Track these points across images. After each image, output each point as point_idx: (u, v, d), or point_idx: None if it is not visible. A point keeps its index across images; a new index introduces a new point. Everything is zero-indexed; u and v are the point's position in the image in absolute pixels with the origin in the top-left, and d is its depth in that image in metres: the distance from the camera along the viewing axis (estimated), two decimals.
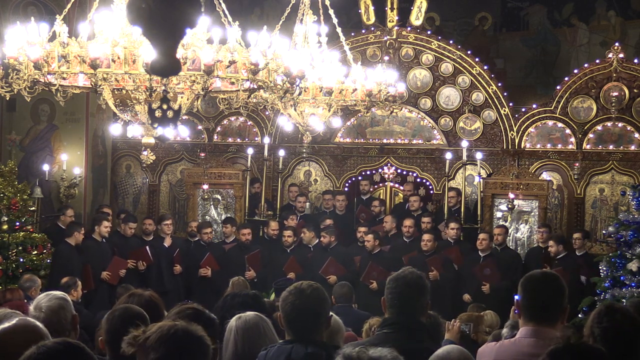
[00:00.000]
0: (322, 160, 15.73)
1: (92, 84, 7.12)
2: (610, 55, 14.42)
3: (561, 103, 14.66)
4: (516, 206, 13.67)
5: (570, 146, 14.66)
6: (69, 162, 14.41)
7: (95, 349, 5.36)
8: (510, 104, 14.99)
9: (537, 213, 13.89)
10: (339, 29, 10.81)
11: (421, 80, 15.28)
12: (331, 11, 10.55)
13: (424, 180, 15.51)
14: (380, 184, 15.83)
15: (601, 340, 4.27)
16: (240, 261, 12.95)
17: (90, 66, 6.90)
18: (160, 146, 13.82)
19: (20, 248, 12.19)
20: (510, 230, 13.75)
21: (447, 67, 15.14)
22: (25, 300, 9.12)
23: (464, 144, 14.19)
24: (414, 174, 15.51)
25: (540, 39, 19.23)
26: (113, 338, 4.23)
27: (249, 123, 15.82)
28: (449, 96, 15.19)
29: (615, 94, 14.27)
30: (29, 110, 14.44)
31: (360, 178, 15.54)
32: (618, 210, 13.86)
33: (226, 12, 7.85)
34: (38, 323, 4.01)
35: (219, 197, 14.94)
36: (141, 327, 3.54)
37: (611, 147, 14.48)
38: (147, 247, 13.09)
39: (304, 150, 14.00)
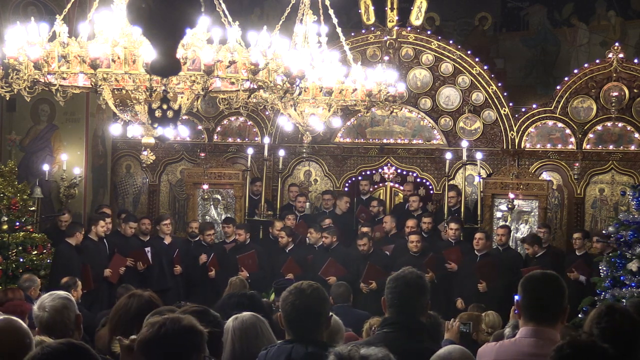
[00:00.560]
0: (322, 160, 15.73)
1: (92, 84, 7.11)
2: (610, 55, 14.42)
3: (561, 103, 14.66)
4: (516, 206, 13.68)
5: (570, 146, 14.66)
6: (69, 162, 14.42)
7: (95, 349, 5.37)
8: (510, 104, 14.98)
9: (537, 213, 13.89)
10: (339, 29, 10.80)
11: (421, 80, 15.28)
12: (331, 11, 10.54)
13: (424, 180, 15.50)
14: (380, 184, 15.82)
15: (600, 340, 4.18)
16: (236, 261, 12.96)
17: (90, 66, 6.89)
18: (160, 146, 13.83)
19: (20, 248, 12.18)
20: None
21: (447, 67, 15.14)
22: (26, 300, 9.15)
23: (464, 144, 14.20)
24: (414, 174, 15.51)
25: (540, 39, 19.21)
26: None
27: (249, 123, 15.82)
28: (449, 96, 15.19)
29: (615, 94, 14.27)
30: (29, 110, 14.43)
31: (360, 178, 15.54)
32: (618, 210, 13.86)
33: (226, 12, 7.84)
34: (21, 322, 4.04)
35: (219, 197, 14.94)
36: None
37: (611, 147, 14.48)
38: (146, 249, 13.09)
39: (304, 150, 14.01)
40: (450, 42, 15.56)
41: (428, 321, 5.53)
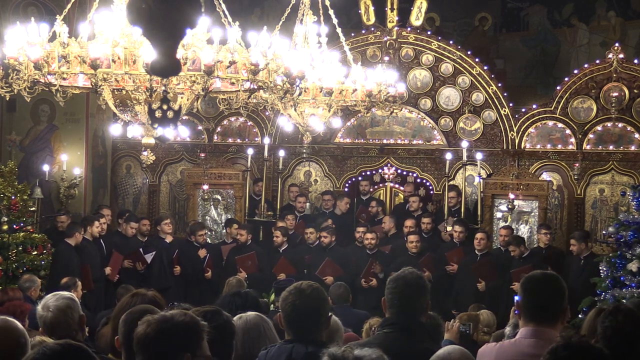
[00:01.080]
0: (322, 160, 15.72)
1: (92, 84, 7.11)
2: (610, 55, 14.40)
3: (561, 103, 14.64)
4: (516, 206, 13.65)
5: (570, 146, 14.64)
6: (69, 162, 14.41)
7: (96, 348, 5.38)
8: (510, 105, 14.97)
9: (537, 213, 13.89)
10: (339, 30, 10.79)
11: (421, 80, 15.27)
12: (331, 11, 10.54)
13: (424, 181, 15.49)
14: (381, 185, 15.82)
15: (602, 339, 4.36)
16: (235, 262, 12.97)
17: (91, 66, 6.88)
18: (160, 146, 13.87)
19: (20, 248, 12.17)
20: None
21: (447, 68, 15.13)
22: (25, 301, 9.14)
23: (464, 144, 14.19)
24: (414, 175, 15.50)
25: (540, 40, 19.20)
26: (131, 340, 4.22)
27: (249, 123, 15.81)
28: (449, 96, 15.18)
29: (615, 94, 14.25)
30: (29, 111, 14.43)
31: (360, 178, 15.54)
32: (618, 211, 13.84)
33: (226, 12, 7.84)
34: (16, 322, 4.04)
35: (219, 197, 14.94)
36: None
37: (611, 147, 14.47)
38: (140, 250, 13.08)
39: (304, 151, 13.97)
40: (450, 42, 15.56)
41: (428, 321, 5.54)
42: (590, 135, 14.56)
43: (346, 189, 15.66)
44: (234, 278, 9.66)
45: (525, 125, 14.84)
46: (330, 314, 4.78)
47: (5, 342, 3.82)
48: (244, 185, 14.49)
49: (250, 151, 14.49)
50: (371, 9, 15.23)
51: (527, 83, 18.93)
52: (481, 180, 14.01)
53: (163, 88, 6.94)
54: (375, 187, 15.76)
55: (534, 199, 13.93)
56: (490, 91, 14.97)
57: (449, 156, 14.11)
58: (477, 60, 15.19)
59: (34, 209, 13.03)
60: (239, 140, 15.91)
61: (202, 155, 15.28)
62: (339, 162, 15.69)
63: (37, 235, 12.61)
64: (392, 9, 15.04)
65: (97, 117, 15.03)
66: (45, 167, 14.09)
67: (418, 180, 15.50)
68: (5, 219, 12.16)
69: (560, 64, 18.88)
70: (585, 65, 14.95)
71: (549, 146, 14.80)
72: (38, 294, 10.35)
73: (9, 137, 14.62)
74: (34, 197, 13.28)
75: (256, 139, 15.74)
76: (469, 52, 15.28)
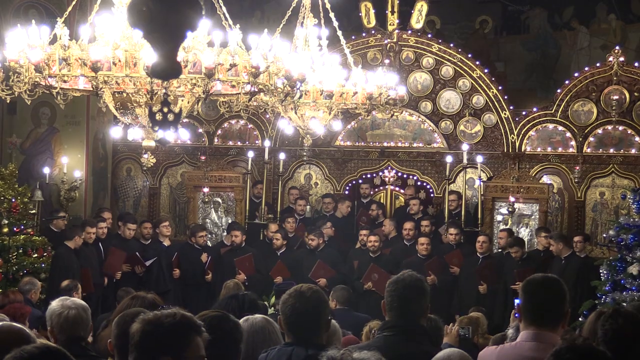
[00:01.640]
0: (323, 163, 15.72)
1: (93, 86, 7.17)
2: (610, 58, 14.41)
3: (561, 106, 14.64)
4: (517, 209, 13.67)
5: (571, 149, 14.64)
6: (70, 165, 14.37)
7: (96, 351, 5.37)
8: (511, 107, 14.97)
9: (537, 216, 13.89)
10: (339, 32, 10.79)
11: (422, 83, 15.27)
12: (332, 14, 10.54)
13: (425, 184, 15.50)
14: (381, 188, 15.81)
15: (602, 342, 4.32)
16: (232, 263, 12.94)
17: (91, 69, 6.90)
18: (160, 149, 13.80)
19: (20, 251, 12.17)
20: None
21: (447, 71, 15.13)
22: (26, 303, 9.13)
23: (465, 147, 14.21)
24: (415, 177, 15.50)
25: (541, 42, 19.17)
26: (124, 342, 4.21)
27: (249, 126, 15.81)
28: (450, 99, 15.18)
29: (616, 97, 14.25)
30: (29, 113, 14.41)
31: (360, 181, 15.54)
32: (618, 214, 13.80)
33: (227, 15, 7.87)
34: (23, 326, 4.02)
35: (219, 200, 14.93)
36: None
37: (612, 150, 14.48)
38: (137, 253, 13.04)
39: (305, 154, 14.00)
40: (451, 45, 15.57)
41: (428, 325, 5.54)
42: (591, 139, 14.56)
43: (346, 192, 15.66)
44: (231, 281, 9.67)
45: (526, 128, 14.84)
46: (330, 317, 4.77)
47: (11, 345, 3.79)
48: (245, 188, 14.44)
49: (250, 154, 14.43)
50: (372, 11, 15.25)
51: (527, 86, 18.89)
52: (481, 183, 14.00)
53: (164, 91, 6.93)
54: (376, 190, 15.74)
55: (534, 202, 13.93)
56: (490, 94, 14.96)
57: (449, 159, 14.07)
58: (477, 63, 15.19)
59: (34, 211, 13.05)
60: (239, 143, 15.92)
61: (203, 158, 15.28)
62: (340, 165, 15.69)
63: (37, 237, 12.64)
64: (392, 12, 15.06)
65: (98, 119, 15.00)
66: (46, 170, 14.06)
67: (418, 183, 15.50)
68: (6, 222, 12.19)
69: (561, 67, 18.83)
70: (586, 68, 14.96)
71: (549, 149, 14.81)
72: (38, 297, 10.39)
73: (9, 139, 14.61)
74: (35, 200, 13.28)
75: (257, 141, 15.73)
76: (469, 55, 15.28)
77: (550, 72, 19.00)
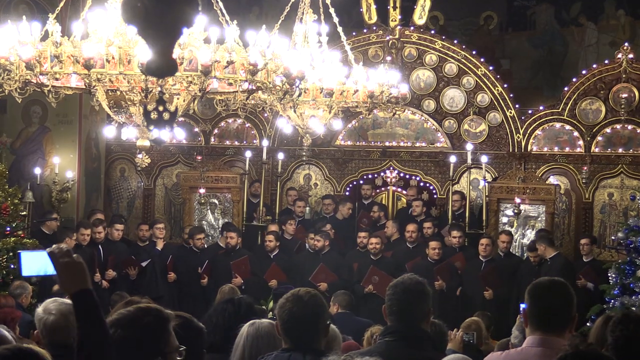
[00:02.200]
0: (323, 163, 15.72)
1: (86, 84, 7.16)
2: (619, 55, 14.46)
3: (569, 105, 14.66)
4: (522, 211, 13.55)
5: (579, 149, 14.67)
6: (62, 165, 14.37)
7: None
8: (517, 106, 15.01)
9: (544, 218, 13.82)
10: (339, 29, 10.73)
11: (424, 81, 15.27)
12: (332, 10, 10.49)
13: (428, 184, 15.50)
14: (383, 188, 15.82)
15: (613, 349, 4.28)
16: (228, 266, 12.88)
17: (84, 66, 6.91)
18: (155, 149, 13.82)
19: (11, 254, 12.07)
20: (516, 236, 13.69)
21: (451, 68, 15.14)
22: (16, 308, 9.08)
23: (469, 146, 14.20)
24: (417, 178, 15.51)
25: (548, 39, 19.15)
26: None
27: (247, 125, 15.79)
28: (453, 97, 15.17)
29: (625, 95, 14.28)
30: (20, 112, 14.37)
31: (361, 182, 15.53)
32: (628, 216, 13.83)
33: (224, 10, 7.92)
34: (38, 349, 4.02)
35: (216, 201, 14.86)
36: None
37: (620, 150, 14.54)
38: (133, 256, 13.07)
39: (304, 154, 13.86)
40: (455, 42, 15.56)
41: (432, 330, 5.50)
42: (599, 138, 14.61)
43: (347, 193, 15.67)
44: (226, 285, 9.65)
45: (532, 127, 14.87)
46: (328, 322, 4.72)
47: None
48: (242, 189, 14.44)
49: (248, 154, 14.44)
50: (373, 7, 15.29)
51: (533, 84, 18.93)
52: (486, 184, 13.94)
53: (159, 89, 6.85)
54: (378, 191, 15.75)
55: (540, 203, 13.86)
56: (495, 92, 14.97)
57: (453, 159, 14.04)
58: (482, 60, 15.23)
59: (25, 213, 12.98)
60: (236, 143, 15.94)
61: (199, 158, 15.35)
62: (340, 165, 15.69)
63: (28, 240, 12.51)
64: (394, 8, 15.10)
65: (91, 118, 15.00)
66: (37, 170, 14.06)
67: (421, 184, 15.52)
68: None
69: (568, 64, 18.85)
70: (594, 66, 15.00)
71: (556, 149, 14.87)
72: (29, 301, 10.36)
73: None
74: (25, 201, 13.25)
75: (254, 141, 15.74)
76: (473, 52, 15.33)
77: (557, 70, 18.96)
